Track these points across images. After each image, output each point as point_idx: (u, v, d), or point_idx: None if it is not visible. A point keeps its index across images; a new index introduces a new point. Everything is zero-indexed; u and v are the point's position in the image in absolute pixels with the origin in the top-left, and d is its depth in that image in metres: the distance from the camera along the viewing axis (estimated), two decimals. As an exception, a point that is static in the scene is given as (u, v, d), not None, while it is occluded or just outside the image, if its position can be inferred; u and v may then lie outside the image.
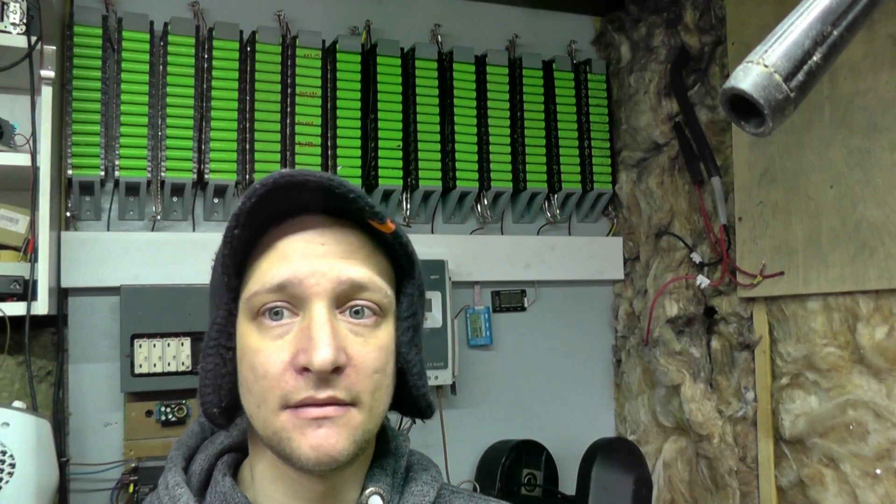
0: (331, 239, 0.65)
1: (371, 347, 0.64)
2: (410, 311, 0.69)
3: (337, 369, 0.62)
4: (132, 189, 1.82)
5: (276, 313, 0.63)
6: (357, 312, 0.65)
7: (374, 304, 0.65)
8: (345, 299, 0.64)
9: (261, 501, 0.69)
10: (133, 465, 1.73)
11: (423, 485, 0.72)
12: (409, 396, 0.71)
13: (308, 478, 0.66)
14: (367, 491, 0.68)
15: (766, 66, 0.55)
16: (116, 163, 1.76)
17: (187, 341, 1.74)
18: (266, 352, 0.63)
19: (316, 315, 0.62)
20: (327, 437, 0.62)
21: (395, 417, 0.78)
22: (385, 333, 0.66)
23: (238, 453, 0.73)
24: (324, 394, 0.61)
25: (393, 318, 0.68)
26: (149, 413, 1.76)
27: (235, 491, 0.68)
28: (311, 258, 0.63)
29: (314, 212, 0.65)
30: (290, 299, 0.63)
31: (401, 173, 2.00)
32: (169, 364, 1.73)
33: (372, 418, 0.65)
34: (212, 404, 0.67)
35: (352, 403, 0.63)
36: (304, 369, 0.61)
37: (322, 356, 0.60)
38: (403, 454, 0.74)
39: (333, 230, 0.65)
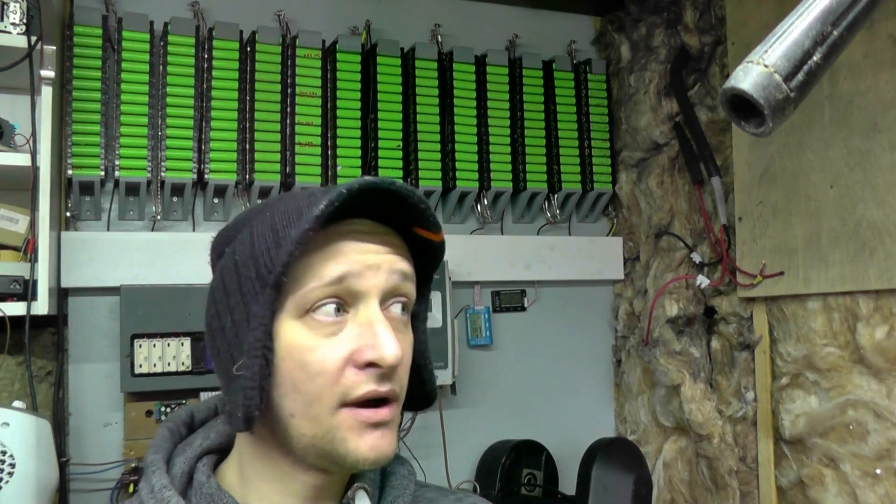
0: (380, 239, 0.68)
1: (407, 345, 0.69)
2: (426, 314, 0.75)
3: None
4: (132, 189, 1.82)
5: (328, 311, 0.65)
6: (396, 310, 0.69)
7: (409, 300, 0.70)
8: (391, 294, 0.68)
9: (251, 501, 0.70)
10: (133, 465, 1.73)
11: (403, 478, 0.75)
12: (420, 391, 0.75)
13: (311, 476, 0.68)
14: (354, 486, 0.70)
15: (766, 66, 0.55)
16: (116, 163, 1.76)
17: (187, 341, 1.74)
18: (321, 349, 0.64)
19: (374, 312, 0.66)
20: (383, 437, 0.65)
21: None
22: (411, 333, 0.71)
23: (216, 455, 0.74)
24: (386, 387, 0.65)
25: (410, 319, 0.72)
26: (149, 413, 1.76)
27: (222, 492, 0.69)
28: (366, 254, 0.67)
29: (360, 216, 0.68)
30: (344, 294, 0.65)
31: (401, 173, 2.00)
32: (169, 364, 1.73)
33: (399, 412, 0.70)
34: (254, 407, 0.65)
35: (398, 398, 0.67)
36: (369, 365, 0.64)
37: (393, 352, 0.63)
38: None
39: (379, 233, 0.69)
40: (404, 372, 0.68)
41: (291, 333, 0.65)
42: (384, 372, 0.64)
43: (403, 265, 0.68)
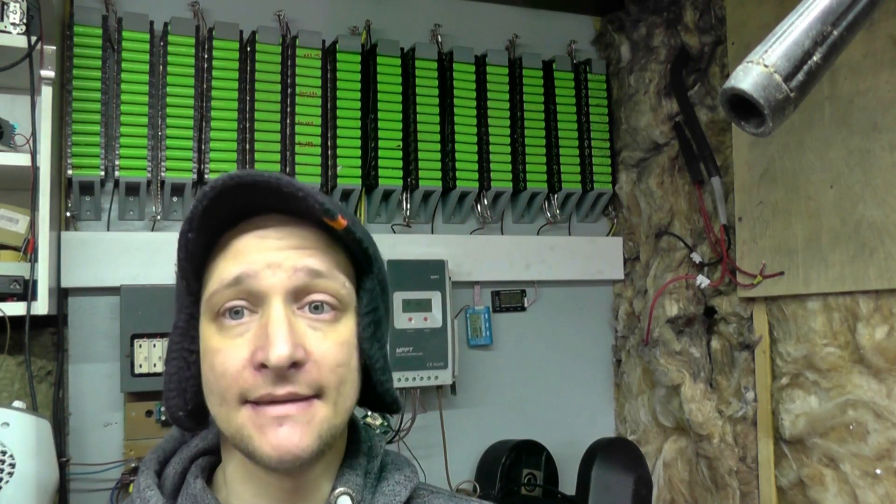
0: (286, 234, 0.65)
1: (331, 342, 0.65)
2: (371, 307, 0.69)
3: (295, 365, 0.62)
4: (132, 189, 1.82)
5: (235, 313, 0.64)
6: (316, 308, 0.65)
7: (332, 297, 0.65)
8: (303, 292, 0.64)
9: (232, 502, 0.69)
10: (133, 465, 1.73)
11: (396, 484, 0.72)
12: (374, 392, 0.72)
13: (277, 477, 0.66)
14: (336, 491, 0.68)
15: (766, 66, 0.55)
16: (116, 163, 1.76)
17: (187, 341, 1.74)
18: (225, 350, 0.63)
19: (273, 311, 0.63)
20: (289, 436, 0.62)
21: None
22: (345, 328, 0.67)
23: (213, 457, 0.74)
24: (283, 390, 0.62)
25: (353, 314, 0.68)
26: (149, 413, 1.76)
27: (206, 492, 0.68)
28: (266, 251, 0.64)
29: (269, 212, 0.66)
30: (247, 296, 0.64)
31: (401, 173, 2.00)
32: (169, 364, 1.72)
33: (338, 413, 0.65)
34: (177, 407, 0.68)
35: (315, 395, 0.63)
36: (263, 366, 0.62)
37: (278, 352, 0.60)
38: (377, 455, 0.74)
39: (289, 227, 0.66)
40: (325, 371, 0.63)
41: (206, 336, 0.65)
42: (279, 373, 0.61)
43: (312, 261, 0.64)
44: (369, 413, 1.74)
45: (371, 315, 0.69)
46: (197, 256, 0.66)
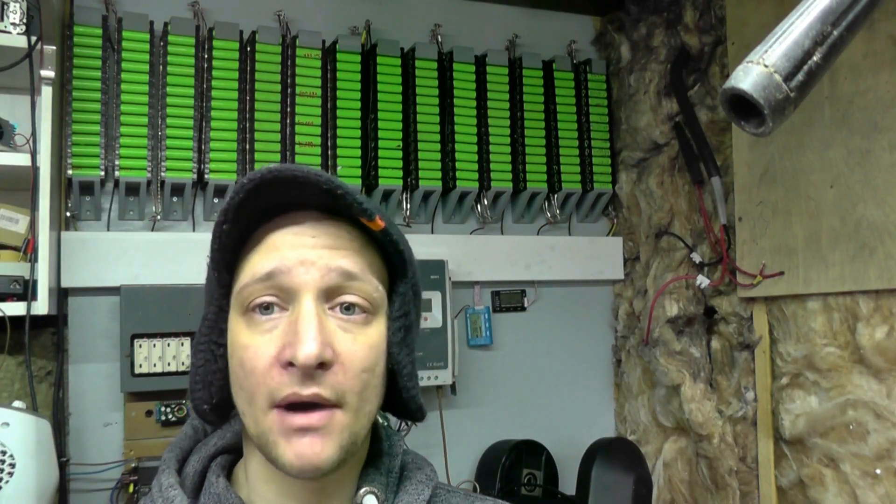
0: (322, 232, 0.64)
1: (360, 345, 0.63)
2: (402, 311, 0.68)
3: (322, 365, 0.61)
4: (132, 189, 1.82)
5: (265, 308, 0.63)
6: (347, 309, 0.64)
7: (363, 300, 0.64)
8: (335, 292, 0.63)
9: (254, 501, 0.68)
10: (133, 465, 1.73)
11: (418, 483, 0.71)
12: (399, 398, 0.70)
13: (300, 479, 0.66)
14: (362, 491, 0.68)
15: (766, 66, 0.55)
16: (116, 163, 1.76)
17: (187, 341, 1.74)
18: (254, 347, 0.62)
19: (304, 308, 0.61)
20: (311, 445, 0.61)
21: (393, 419, 0.77)
22: (375, 332, 0.65)
23: (232, 454, 0.73)
24: (308, 391, 0.60)
25: (384, 317, 0.67)
26: (149, 413, 1.76)
27: (229, 492, 0.67)
28: (300, 248, 0.63)
29: (306, 208, 0.65)
30: (278, 291, 0.63)
31: (401, 173, 2.00)
32: (169, 364, 1.73)
33: (359, 420, 0.64)
34: (202, 401, 0.67)
35: (337, 404, 0.62)
36: (290, 364, 0.60)
37: (307, 350, 0.59)
38: (397, 453, 0.74)
39: (325, 224, 0.65)
40: (349, 376, 0.62)
41: (235, 330, 0.65)
42: (306, 373, 0.60)
43: (345, 262, 0.63)
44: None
45: (402, 320, 0.68)
46: (230, 249, 0.65)
